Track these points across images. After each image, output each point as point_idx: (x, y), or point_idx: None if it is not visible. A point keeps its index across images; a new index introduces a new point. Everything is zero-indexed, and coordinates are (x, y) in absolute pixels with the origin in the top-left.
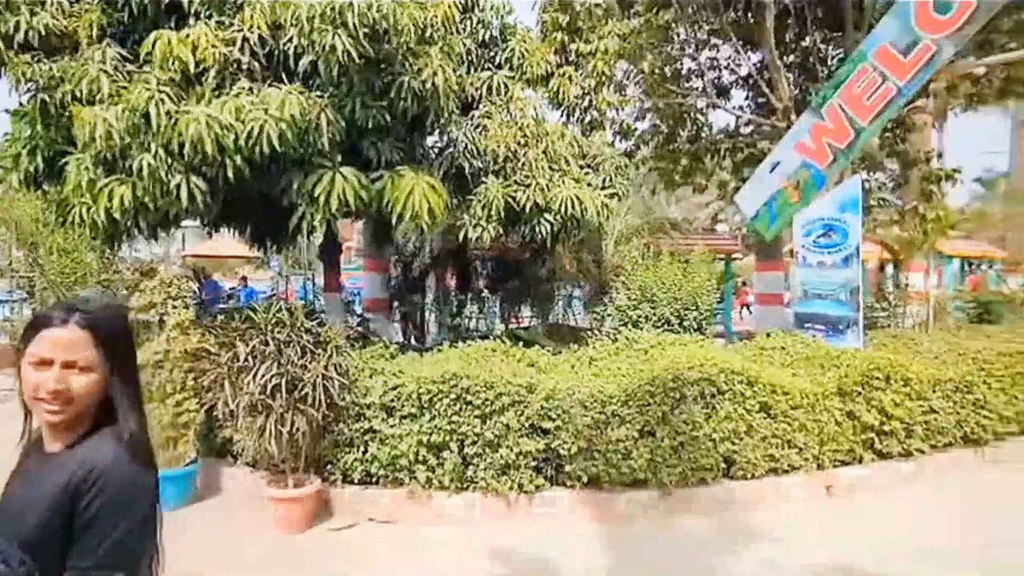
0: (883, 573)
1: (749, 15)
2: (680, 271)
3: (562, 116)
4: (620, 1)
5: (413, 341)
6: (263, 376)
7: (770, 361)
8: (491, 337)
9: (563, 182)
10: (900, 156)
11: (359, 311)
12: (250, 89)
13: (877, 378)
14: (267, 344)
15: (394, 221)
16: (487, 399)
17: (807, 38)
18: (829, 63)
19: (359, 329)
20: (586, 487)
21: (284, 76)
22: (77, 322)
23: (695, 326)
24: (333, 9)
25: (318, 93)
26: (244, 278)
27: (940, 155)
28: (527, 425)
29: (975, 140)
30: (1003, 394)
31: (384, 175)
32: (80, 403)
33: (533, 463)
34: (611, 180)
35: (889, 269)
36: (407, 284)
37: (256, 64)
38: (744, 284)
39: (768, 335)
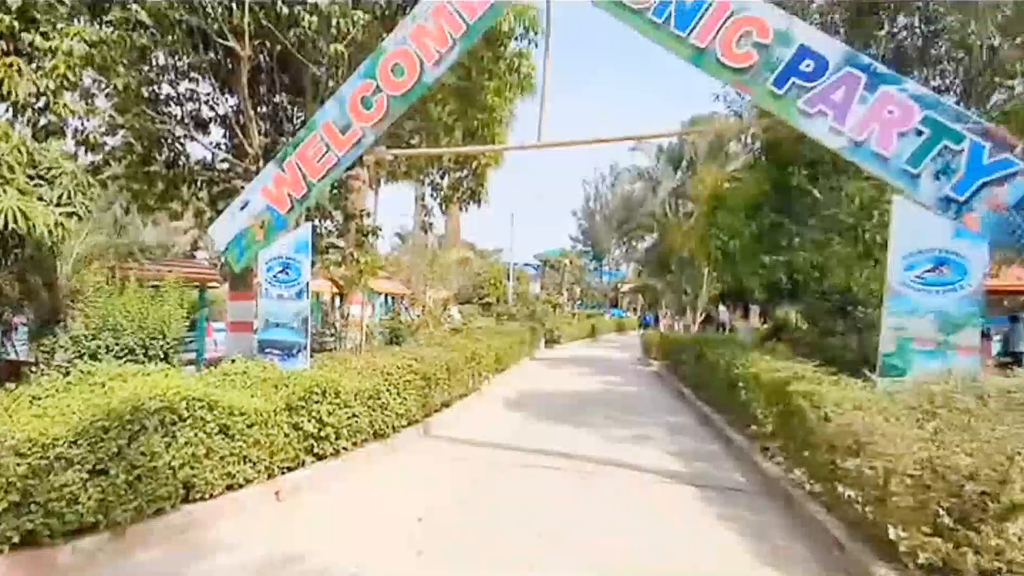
0: (324, 553)
1: (228, 61)
2: (147, 298)
3: (7, 113)
4: (91, 7)
5: None
6: None
7: (233, 385)
8: None
9: (3, 192)
10: (343, 210)
11: None
12: None
13: (316, 393)
14: None
15: None
16: None
17: (277, 96)
18: (294, 120)
19: None
20: (18, 548)
21: None
22: None
23: (161, 355)
24: None
25: None
26: None
27: (370, 214)
28: None
29: (398, 205)
30: (398, 397)
31: None
32: None
33: None
34: (70, 197)
35: (337, 301)
36: None
37: None
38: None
39: (233, 361)
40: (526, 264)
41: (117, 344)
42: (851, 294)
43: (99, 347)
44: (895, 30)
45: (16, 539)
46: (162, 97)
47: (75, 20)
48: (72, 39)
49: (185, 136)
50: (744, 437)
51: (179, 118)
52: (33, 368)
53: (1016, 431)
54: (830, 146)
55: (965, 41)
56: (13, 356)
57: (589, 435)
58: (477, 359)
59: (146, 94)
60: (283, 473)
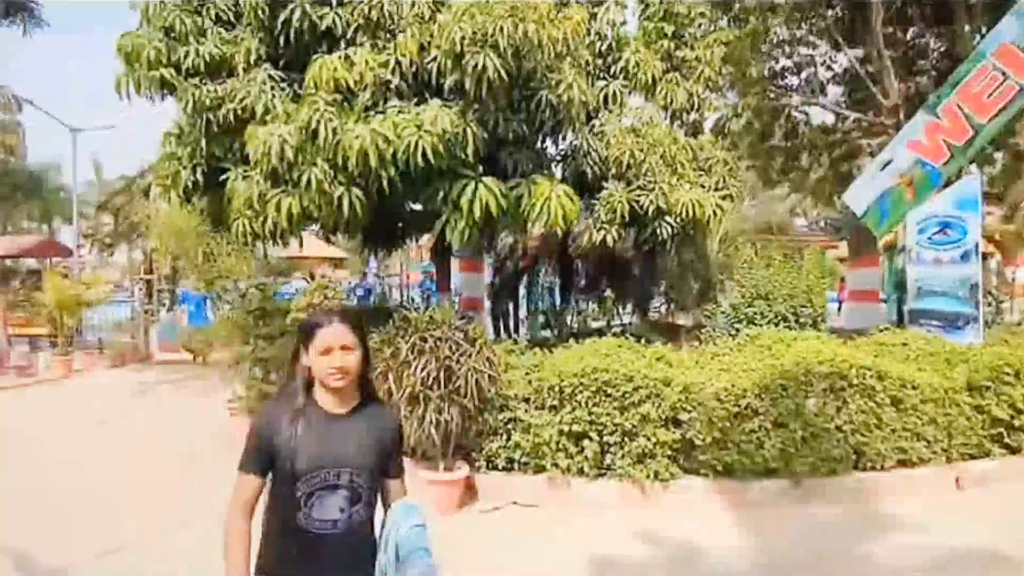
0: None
1: (850, 13)
2: (795, 269)
3: (666, 120)
4: (725, 8)
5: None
6: (423, 369)
7: (892, 356)
8: (602, 334)
9: (682, 186)
10: (1009, 149)
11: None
12: (399, 109)
13: (1007, 374)
14: (425, 341)
15: (529, 226)
16: (626, 392)
17: (909, 31)
18: (931, 57)
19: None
20: (719, 476)
21: (427, 94)
22: (339, 320)
23: (810, 323)
24: (484, 33)
25: (459, 109)
26: (313, 275)
27: None
28: (663, 416)
29: None
30: None
31: (521, 183)
32: (353, 373)
33: (669, 452)
34: (724, 182)
35: (992, 263)
36: (503, 285)
37: (404, 84)
38: (844, 280)
39: (883, 330)
40: None
41: (770, 311)
42: None
43: (754, 314)
44: None
45: (719, 468)
46: (777, 70)
47: (714, 26)
48: (713, 46)
49: (803, 103)
50: None
51: (796, 86)
52: (695, 331)
53: None
54: None
55: None
56: (674, 320)
57: None
58: None
59: (766, 72)
60: (964, 460)
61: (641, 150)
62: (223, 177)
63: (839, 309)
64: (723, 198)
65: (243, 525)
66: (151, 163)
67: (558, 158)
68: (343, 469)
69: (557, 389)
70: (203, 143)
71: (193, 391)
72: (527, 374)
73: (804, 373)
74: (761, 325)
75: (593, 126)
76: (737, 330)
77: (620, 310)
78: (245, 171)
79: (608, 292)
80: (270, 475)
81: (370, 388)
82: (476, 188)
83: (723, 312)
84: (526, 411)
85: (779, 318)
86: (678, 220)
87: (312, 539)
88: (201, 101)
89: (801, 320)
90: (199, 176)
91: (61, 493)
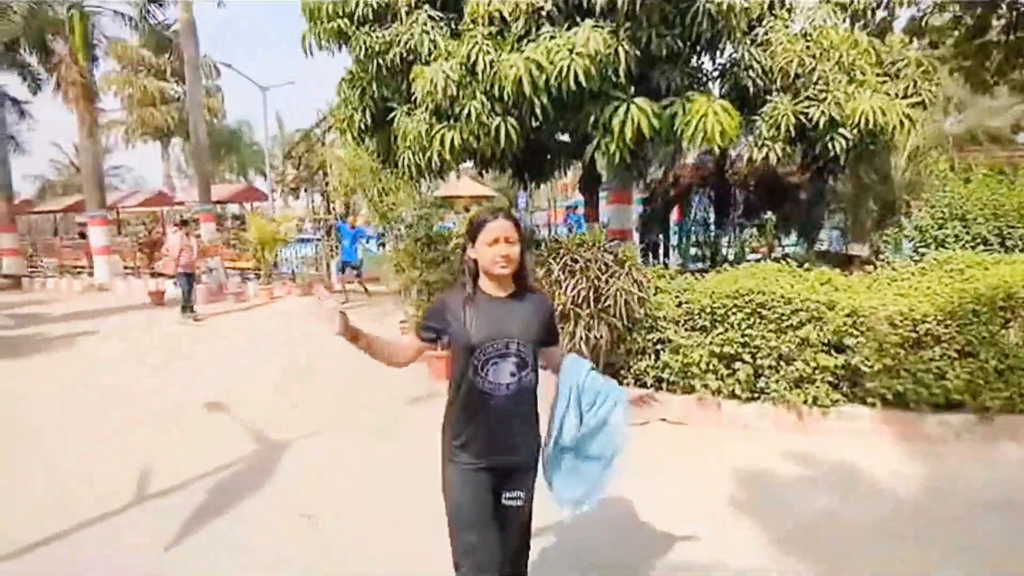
0: None
1: None
2: (1003, 183)
3: (845, 21)
4: None
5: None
6: (573, 288)
7: None
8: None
9: (862, 93)
10: None
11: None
12: (551, 35)
13: None
14: (576, 262)
15: (684, 145)
16: (783, 314)
17: None
18: None
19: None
20: (888, 405)
21: (578, 17)
22: (504, 216)
23: (1021, 246)
24: None
25: (610, 29)
26: (468, 210)
27: None
28: (825, 341)
29: None
30: None
31: (675, 101)
32: (515, 262)
33: (830, 379)
34: (915, 87)
35: None
36: (652, 216)
37: (555, 9)
38: None
39: None
40: None
41: (967, 233)
42: None
43: (945, 237)
44: None
45: (889, 397)
46: None
47: None
48: None
49: None
50: None
51: None
52: (876, 258)
53: None
54: None
55: None
56: (846, 250)
57: None
58: None
59: None
60: None
61: (813, 56)
62: (390, 116)
63: None
64: (913, 106)
65: (395, 343)
66: (325, 114)
67: (715, 74)
68: (510, 340)
69: (709, 310)
70: (373, 86)
71: (369, 315)
72: (676, 297)
73: (1005, 298)
74: (954, 249)
75: (756, 35)
76: (922, 255)
77: (782, 240)
78: (410, 109)
79: (769, 216)
80: (453, 355)
81: (524, 280)
82: (627, 109)
83: (907, 236)
84: (675, 332)
85: (979, 241)
86: (855, 133)
87: (488, 398)
88: (371, 47)
89: (1009, 244)
90: (369, 117)
91: (285, 382)
